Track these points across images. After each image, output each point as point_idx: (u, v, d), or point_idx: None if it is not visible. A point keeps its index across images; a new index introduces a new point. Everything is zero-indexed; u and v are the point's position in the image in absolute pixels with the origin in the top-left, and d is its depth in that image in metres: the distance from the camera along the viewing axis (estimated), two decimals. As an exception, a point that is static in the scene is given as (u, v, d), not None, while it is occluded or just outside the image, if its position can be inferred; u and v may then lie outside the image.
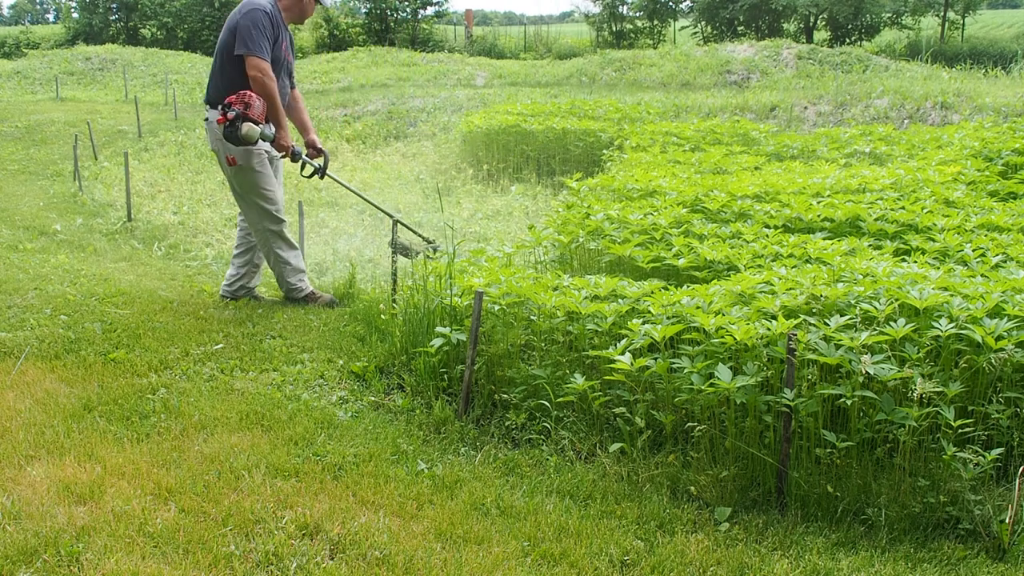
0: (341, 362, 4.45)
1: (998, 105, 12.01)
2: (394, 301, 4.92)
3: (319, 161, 5.43)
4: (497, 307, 4.10)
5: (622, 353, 3.42)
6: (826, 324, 3.24)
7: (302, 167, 5.37)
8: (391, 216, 5.50)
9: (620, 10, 33.47)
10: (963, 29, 31.08)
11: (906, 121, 12.51)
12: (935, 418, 3.10)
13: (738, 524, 3.05)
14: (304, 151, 5.36)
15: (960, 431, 3.15)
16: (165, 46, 32.21)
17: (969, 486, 3.01)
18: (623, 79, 20.81)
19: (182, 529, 2.81)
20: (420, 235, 5.75)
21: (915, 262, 4.11)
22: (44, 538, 2.70)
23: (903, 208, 5.33)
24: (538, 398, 3.78)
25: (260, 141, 4.99)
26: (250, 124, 4.81)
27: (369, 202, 5.96)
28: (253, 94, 4.89)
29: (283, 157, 5.23)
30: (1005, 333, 3.16)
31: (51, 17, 67.87)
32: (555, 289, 4.12)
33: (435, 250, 5.43)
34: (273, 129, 5.09)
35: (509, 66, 24.41)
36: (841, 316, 3.29)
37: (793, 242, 4.59)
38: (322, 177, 5.42)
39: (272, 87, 4.94)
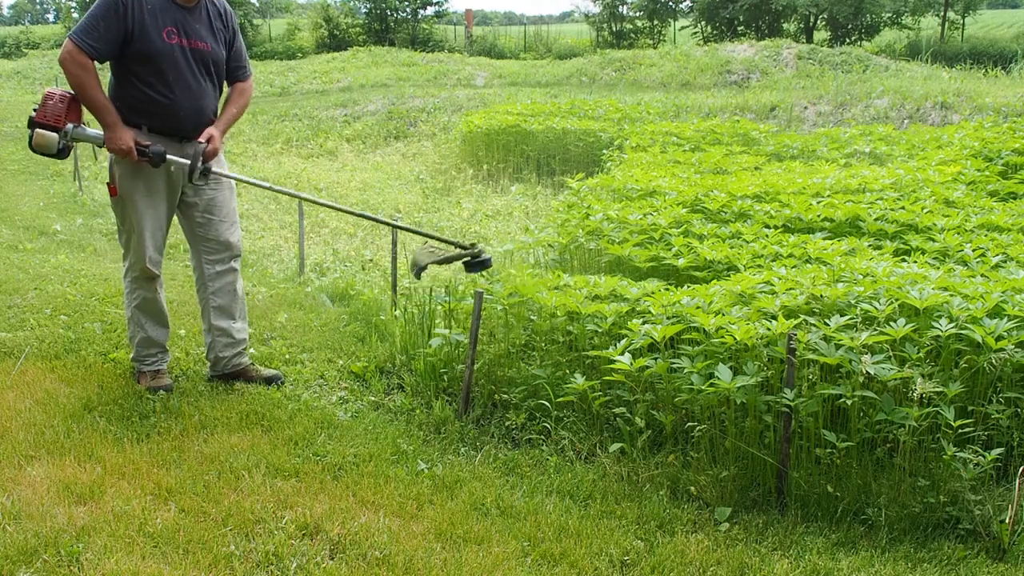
0: (341, 362, 4.45)
1: (998, 105, 12.00)
2: (394, 301, 4.92)
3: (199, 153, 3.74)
4: (500, 307, 4.10)
5: (622, 353, 3.42)
6: (826, 324, 3.24)
7: (191, 171, 3.73)
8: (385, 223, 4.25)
9: (620, 10, 33.45)
10: (963, 29, 31.05)
11: (906, 121, 12.50)
12: (935, 418, 3.10)
13: (738, 524, 3.05)
14: (180, 154, 3.80)
15: (960, 431, 3.14)
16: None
17: (969, 486, 3.01)
18: (623, 79, 20.80)
19: (182, 529, 2.81)
20: (451, 242, 4.28)
21: (915, 262, 4.11)
22: (44, 538, 2.70)
23: (903, 208, 5.33)
24: (538, 398, 3.78)
25: (114, 158, 3.76)
26: (42, 131, 3.71)
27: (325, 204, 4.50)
28: (53, 91, 3.77)
29: (132, 160, 3.69)
30: (1005, 333, 3.16)
31: (51, 17, 68.08)
32: (555, 289, 4.12)
33: (477, 259, 4.12)
34: (99, 132, 3.74)
35: (509, 66, 24.41)
36: (841, 316, 3.29)
37: (793, 242, 4.59)
38: (197, 178, 3.76)
39: (81, 76, 3.60)
